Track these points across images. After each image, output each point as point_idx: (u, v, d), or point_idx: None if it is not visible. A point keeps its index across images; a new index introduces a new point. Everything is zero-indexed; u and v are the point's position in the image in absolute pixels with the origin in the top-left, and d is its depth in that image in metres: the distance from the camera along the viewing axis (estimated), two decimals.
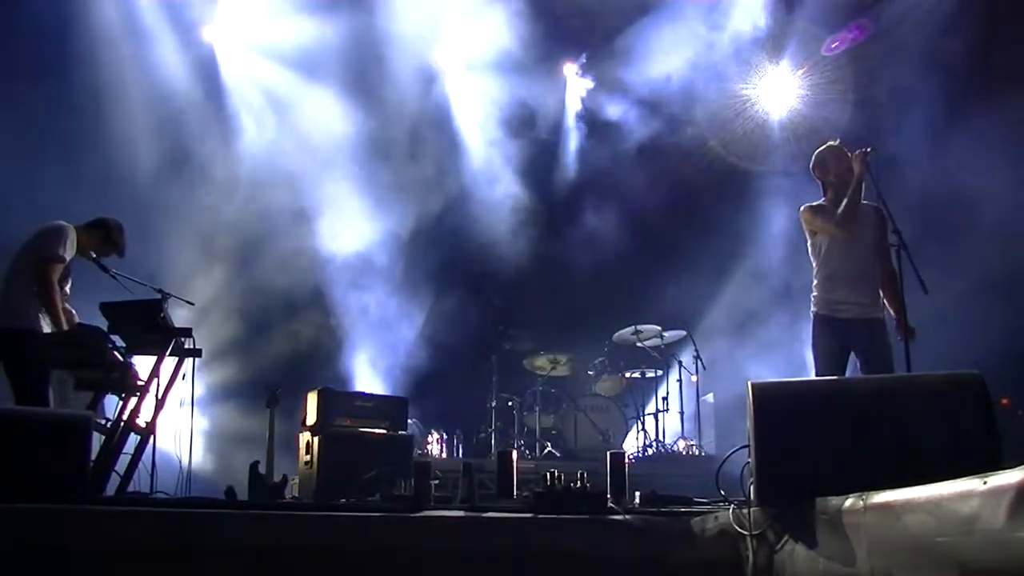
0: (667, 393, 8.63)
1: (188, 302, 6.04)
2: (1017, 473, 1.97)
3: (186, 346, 5.36)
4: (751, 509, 3.21)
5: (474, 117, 9.42)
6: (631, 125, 9.47)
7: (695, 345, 8.51)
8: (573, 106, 9.98)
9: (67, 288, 5.24)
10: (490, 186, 9.36)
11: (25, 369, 4.85)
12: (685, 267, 8.95)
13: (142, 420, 5.10)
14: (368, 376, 8.60)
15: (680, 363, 8.70)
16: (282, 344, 8.45)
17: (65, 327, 4.99)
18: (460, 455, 7.66)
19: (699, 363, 8.58)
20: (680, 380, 8.68)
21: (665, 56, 8.76)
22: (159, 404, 5.18)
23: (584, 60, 9.79)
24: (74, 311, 5.30)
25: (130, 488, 4.99)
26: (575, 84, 9.94)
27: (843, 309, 4.82)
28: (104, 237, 5.37)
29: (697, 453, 8.06)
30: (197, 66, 8.34)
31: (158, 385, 5.17)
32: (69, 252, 5.08)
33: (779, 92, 9.08)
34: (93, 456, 4.34)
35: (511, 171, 9.43)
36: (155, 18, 8.05)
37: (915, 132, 7.66)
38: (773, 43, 8.73)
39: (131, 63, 7.87)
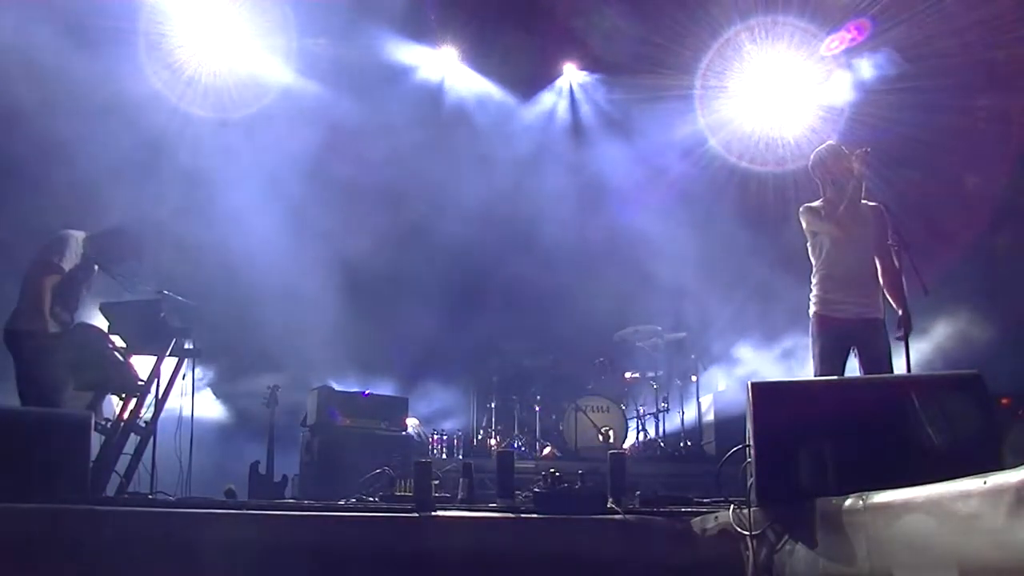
0: (667, 393, 8.62)
1: (188, 302, 6.03)
2: (1017, 473, 1.97)
3: (185, 346, 5.36)
4: (751, 509, 3.20)
5: None
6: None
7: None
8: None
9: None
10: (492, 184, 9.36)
11: (29, 372, 4.88)
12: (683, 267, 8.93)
13: (142, 420, 5.11)
14: (368, 376, 8.59)
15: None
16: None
17: (51, 329, 4.98)
18: (460, 455, 7.64)
19: (699, 364, 8.56)
20: (679, 380, 8.67)
21: None
22: (159, 404, 5.19)
23: None
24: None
25: (130, 488, 4.99)
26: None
27: (842, 309, 4.81)
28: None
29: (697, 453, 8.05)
30: None
31: (158, 385, 5.18)
32: (68, 261, 5.07)
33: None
34: (93, 456, 4.34)
35: (510, 167, 9.43)
36: None
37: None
38: None
39: None
